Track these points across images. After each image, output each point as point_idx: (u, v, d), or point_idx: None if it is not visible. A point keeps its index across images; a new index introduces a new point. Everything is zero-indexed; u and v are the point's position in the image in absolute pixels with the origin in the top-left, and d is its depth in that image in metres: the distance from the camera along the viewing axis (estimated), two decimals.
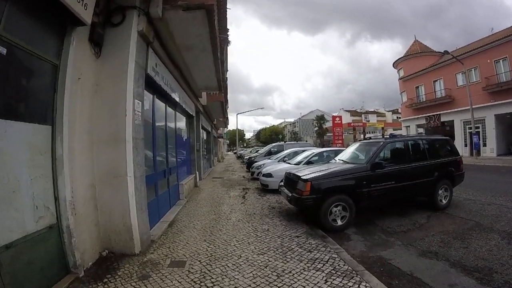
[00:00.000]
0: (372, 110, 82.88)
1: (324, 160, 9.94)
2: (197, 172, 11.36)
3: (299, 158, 10.86)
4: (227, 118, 30.36)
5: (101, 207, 4.23)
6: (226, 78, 23.36)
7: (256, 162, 16.29)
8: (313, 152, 10.11)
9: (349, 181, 5.71)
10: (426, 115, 30.69)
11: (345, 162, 6.77)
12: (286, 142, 18.91)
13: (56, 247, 3.40)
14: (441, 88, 29.35)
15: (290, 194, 5.90)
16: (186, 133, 10.31)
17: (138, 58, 4.57)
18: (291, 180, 6.28)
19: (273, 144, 19.90)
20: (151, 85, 5.79)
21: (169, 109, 7.77)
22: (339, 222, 5.57)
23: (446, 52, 24.74)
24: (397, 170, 6.24)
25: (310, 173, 5.89)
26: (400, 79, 36.06)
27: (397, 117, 74.77)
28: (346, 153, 7.63)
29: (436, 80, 30.02)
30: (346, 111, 75.12)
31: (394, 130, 57.25)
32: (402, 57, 36.34)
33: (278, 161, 13.03)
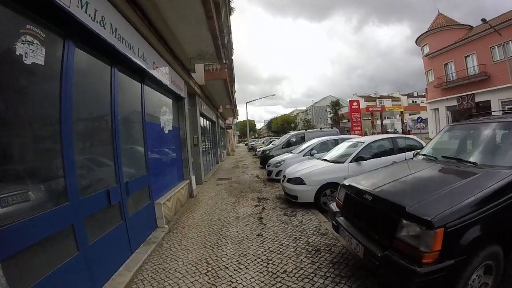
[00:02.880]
0: (386, 94, 78.44)
1: (374, 154, 6.57)
2: (192, 177, 8.07)
3: (336, 151, 7.43)
4: (235, 105, 26.91)
5: None
6: (232, 55, 19.78)
7: (271, 155, 12.97)
8: (363, 143, 6.65)
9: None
10: (458, 95, 26.66)
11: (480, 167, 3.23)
12: (308, 130, 15.33)
13: None
14: (474, 65, 25.22)
15: (378, 254, 2.43)
16: (172, 121, 7.00)
17: None
18: (368, 208, 2.85)
19: (292, 132, 16.35)
20: (38, 9, 2.56)
21: (124, 78, 4.47)
22: None
23: (483, 21, 20.67)
24: None
25: (428, 200, 2.47)
26: (425, 56, 31.86)
27: (413, 101, 71.21)
28: (457, 145, 4.19)
29: (468, 56, 25.85)
30: (360, 96, 70.59)
31: (410, 114, 53.43)
32: (426, 31, 32.04)
33: (304, 156, 9.64)
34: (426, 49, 31.64)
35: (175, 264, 3.79)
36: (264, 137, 68.92)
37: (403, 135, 7.74)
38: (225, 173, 13.34)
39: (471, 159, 3.27)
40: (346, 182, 3.48)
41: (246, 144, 47.26)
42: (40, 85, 2.73)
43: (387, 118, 54.58)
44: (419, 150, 4.66)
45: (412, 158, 4.40)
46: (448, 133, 4.61)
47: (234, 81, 21.91)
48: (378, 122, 45.69)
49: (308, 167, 6.60)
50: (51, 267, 2.53)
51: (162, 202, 5.32)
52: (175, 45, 6.21)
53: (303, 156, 9.60)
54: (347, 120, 50.69)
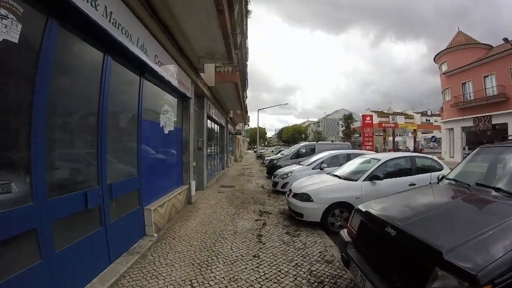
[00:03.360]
0: (400, 111, 77.11)
1: (390, 173, 5.98)
2: (192, 182, 7.59)
3: (348, 167, 6.86)
4: (246, 111, 26.47)
5: None
6: (247, 61, 19.36)
7: (279, 166, 12.44)
8: (378, 160, 6.07)
9: None
10: (474, 116, 25.64)
11: None
12: (319, 142, 14.73)
13: None
14: (493, 85, 24.24)
15: None
16: (175, 122, 6.58)
17: None
18: (390, 245, 2.27)
19: (303, 143, 15.75)
20: None
21: (120, 68, 4.06)
22: None
23: (505, 40, 19.90)
24: None
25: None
26: (443, 73, 30.95)
27: (426, 120, 69.79)
28: None
29: (487, 76, 24.89)
30: (373, 111, 69.46)
31: (422, 133, 52.15)
32: (445, 49, 31.26)
33: (313, 169, 9.09)
34: (444, 67, 30.85)
35: (155, 283, 3.29)
36: (274, 145, 68.31)
37: (422, 155, 7.12)
38: (229, 180, 12.85)
39: None
40: (362, 207, 2.93)
41: (255, 152, 46.74)
42: (11, 66, 2.33)
43: (399, 135, 53.49)
44: (444, 174, 4.08)
45: (437, 183, 3.82)
46: (478, 156, 4.05)
47: (247, 87, 21.55)
48: (390, 138, 44.80)
49: (316, 182, 6.05)
50: (2, 277, 2.11)
51: (153, 208, 4.84)
52: (182, 40, 5.80)
53: (312, 169, 9.05)
54: (358, 135, 49.80)
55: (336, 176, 6.35)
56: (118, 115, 4.09)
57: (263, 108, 74.66)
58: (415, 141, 43.32)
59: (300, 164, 10.33)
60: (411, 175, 6.01)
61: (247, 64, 20.94)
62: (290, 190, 6.29)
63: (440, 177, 4.06)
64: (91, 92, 3.41)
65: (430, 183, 4.04)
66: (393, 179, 5.79)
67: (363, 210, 2.85)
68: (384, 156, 6.34)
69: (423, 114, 74.61)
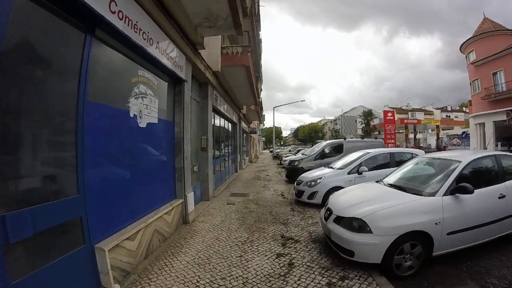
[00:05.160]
0: (418, 107, 73.66)
1: (477, 181, 3.86)
2: (189, 194, 5.65)
3: (406, 172, 4.84)
4: (261, 107, 24.45)
5: None
6: (261, 51, 17.35)
7: (301, 168, 10.48)
8: (458, 163, 3.95)
9: None
10: (507, 109, 22.70)
11: None
12: (347, 140, 12.51)
13: None
14: None
15: None
16: (160, 112, 4.69)
17: None
18: None
19: (327, 141, 13.39)
20: None
21: (38, 11, 2.21)
22: None
23: None
24: None
25: None
26: (471, 63, 27.94)
27: (447, 116, 66.30)
28: None
29: None
30: (391, 108, 66.20)
31: (442, 129, 49.02)
32: (472, 37, 28.32)
33: (349, 173, 7.03)
34: (472, 56, 27.90)
35: None
36: (290, 145, 66.07)
37: (508, 153, 4.89)
38: (242, 186, 10.88)
39: None
40: None
41: (271, 151, 44.64)
42: None
43: (420, 132, 50.76)
44: None
45: None
46: None
47: (261, 81, 19.60)
48: (411, 135, 42.39)
49: (370, 199, 3.91)
50: None
51: (108, 247, 2.95)
52: None
53: (348, 173, 6.99)
54: (378, 132, 47.56)
55: (394, 186, 4.29)
56: (28, 91, 2.24)
57: (278, 106, 72.73)
58: (438, 137, 40.66)
59: (330, 167, 8.24)
60: (499, 183, 3.95)
61: (260, 56, 19.00)
62: (329, 210, 4.16)
63: None
64: None
65: None
66: (481, 190, 3.72)
67: None
68: (466, 156, 4.22)
69: (443, 110, 71.20)
